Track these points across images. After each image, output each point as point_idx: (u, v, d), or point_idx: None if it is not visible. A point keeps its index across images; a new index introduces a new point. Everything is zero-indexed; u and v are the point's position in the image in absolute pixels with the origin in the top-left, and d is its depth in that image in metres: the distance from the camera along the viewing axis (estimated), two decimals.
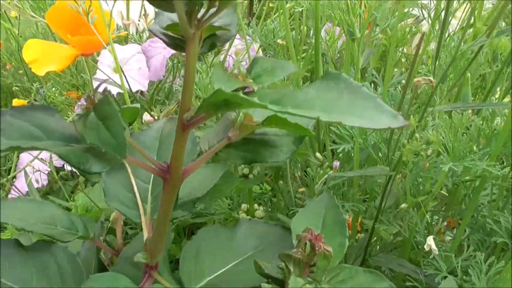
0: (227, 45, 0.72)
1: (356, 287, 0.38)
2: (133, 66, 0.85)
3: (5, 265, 0.40)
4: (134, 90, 0.79)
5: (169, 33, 0.35)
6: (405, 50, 0.76)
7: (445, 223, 0.62)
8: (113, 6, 0.78)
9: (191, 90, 0.31)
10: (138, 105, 0.51)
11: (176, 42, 0.34)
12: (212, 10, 0.30)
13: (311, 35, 0.73)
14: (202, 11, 0.30)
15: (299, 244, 0.35)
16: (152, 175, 0.44)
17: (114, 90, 0.79)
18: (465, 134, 0.45)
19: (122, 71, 0.73)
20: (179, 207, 0.47)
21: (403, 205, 0.51)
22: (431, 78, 0.40)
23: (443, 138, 0.42)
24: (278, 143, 0.36)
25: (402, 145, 0.42)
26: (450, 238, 0.60)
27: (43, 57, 0.69)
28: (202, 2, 0.30)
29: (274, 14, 0.89)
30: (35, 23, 1.01)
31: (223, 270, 0.44)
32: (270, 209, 0.63)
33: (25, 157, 0.80)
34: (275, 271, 0.36)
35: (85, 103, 0.32)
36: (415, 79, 0.40)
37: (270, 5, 0.94)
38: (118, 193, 0.41)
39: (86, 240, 0.44)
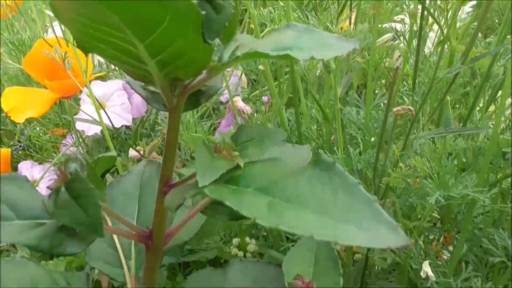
0: None
1: None
2: (116, 102, 0.85)
3: None
4: (118, 125, 0.79)
5: (150, 87, 0.32)
6: (387, 63, 0.75)
7: (441, 240, 0.61)
8: None
9: (172, 158, 0.30)
10: (114, 153, 0.49)
11: (158, 98, 0.32)
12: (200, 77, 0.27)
13: None
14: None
15: None
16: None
17: (97, 129, 0.78)
18: (450, 156, 0.45)
19: (103, 109, 0.73)
20: (166, 253, 0.46)
21: None
22: (410, 107, 0.39)
23: (428, 165, 0.41)
24: None
25: (387, 174, 0.41)
26: (448, 257, 0.59)
27: (22, 104, 0.68)
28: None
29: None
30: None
31: None
32: (264, 239, 0.62)
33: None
34: None
35: (55, 177, 0.30)
36: (394, 109, 0.39)
37: (251, 26, 0.93)
38: (101, 250, 0.40)
39: None
